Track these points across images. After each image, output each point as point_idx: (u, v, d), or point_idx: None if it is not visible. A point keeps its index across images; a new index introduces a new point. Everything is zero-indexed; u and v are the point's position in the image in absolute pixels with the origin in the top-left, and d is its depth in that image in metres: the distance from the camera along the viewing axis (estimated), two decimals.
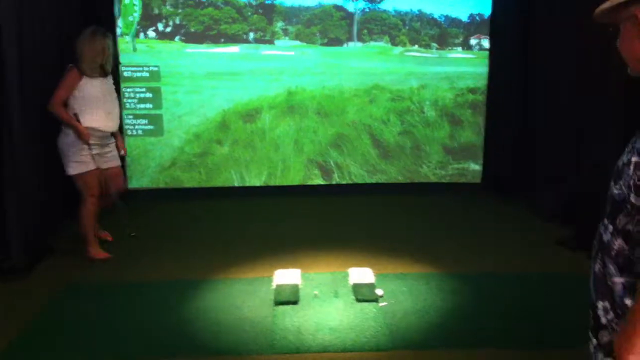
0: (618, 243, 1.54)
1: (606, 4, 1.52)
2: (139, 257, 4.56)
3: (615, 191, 1.55)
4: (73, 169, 4.25)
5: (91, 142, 4.26)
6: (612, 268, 1.56)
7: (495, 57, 6.30)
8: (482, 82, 6.38)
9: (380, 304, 3.74)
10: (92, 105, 4.26)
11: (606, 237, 1.58)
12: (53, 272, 4.34)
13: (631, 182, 1.48)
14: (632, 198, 1.47)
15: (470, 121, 6.45)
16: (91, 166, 4.27)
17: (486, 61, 6.35)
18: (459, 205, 6.02)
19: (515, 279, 4.21)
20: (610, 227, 1.56)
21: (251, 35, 6.19)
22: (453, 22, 6.34)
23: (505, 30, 6.16)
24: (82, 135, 4.19)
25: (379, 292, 3.87)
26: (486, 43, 6.33)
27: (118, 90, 5.89)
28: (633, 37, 1.49)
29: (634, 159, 1.48)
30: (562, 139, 5.41)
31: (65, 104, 4.23)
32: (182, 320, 3.59)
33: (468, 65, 6.40)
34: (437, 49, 6.36)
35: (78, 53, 4.29)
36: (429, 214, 5.76)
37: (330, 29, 6.25)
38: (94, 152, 4.29)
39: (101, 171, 4.38)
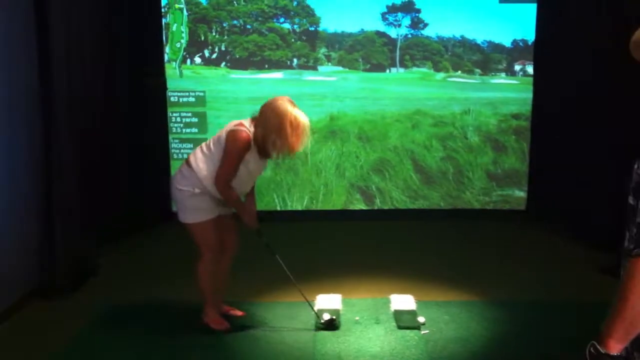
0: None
1: (633, 42, 1.55)
2: (181, 278, 4.60)
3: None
4: (190, 217, 3.54)
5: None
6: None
7: (540, 83, 6.23)
8: (525, 108, 6.32)
9: (422, 332, 3.70)
10: (235, 185, 3.51)
11: (625, 244, 1.60)
12: (97, 292, 4.44)
13: (630, 186, 1.51)
14: (630, 199, 1.53)
15: (514, 147, 6.38)
16: (210, 214, 3.55)
17: (530, 87, 6.29)
18: (502, 232, 5.93)
19: (560, 308, 4.11)
20: (627, 234, 1.59)
21: (295, 61, 6.28)
22: (496, 47, 6.30)
23: (550, 56, 6.10)
24: (246, 220, 3.63)
25: (420, 319, 3.83)
26: (530, 69, 6.28)
27: (165, 114, 6.08)
28: None
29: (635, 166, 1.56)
30: (607, 166, 5.29)
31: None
32: (221, 342, 3.61)
33: (511, 90, 6.35)
34: (480, 74, 6.33)
35: (264, 126, 3.40)
36: (471, 240, 5.68)
37: (373, 54, 6.29)
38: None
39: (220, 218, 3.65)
